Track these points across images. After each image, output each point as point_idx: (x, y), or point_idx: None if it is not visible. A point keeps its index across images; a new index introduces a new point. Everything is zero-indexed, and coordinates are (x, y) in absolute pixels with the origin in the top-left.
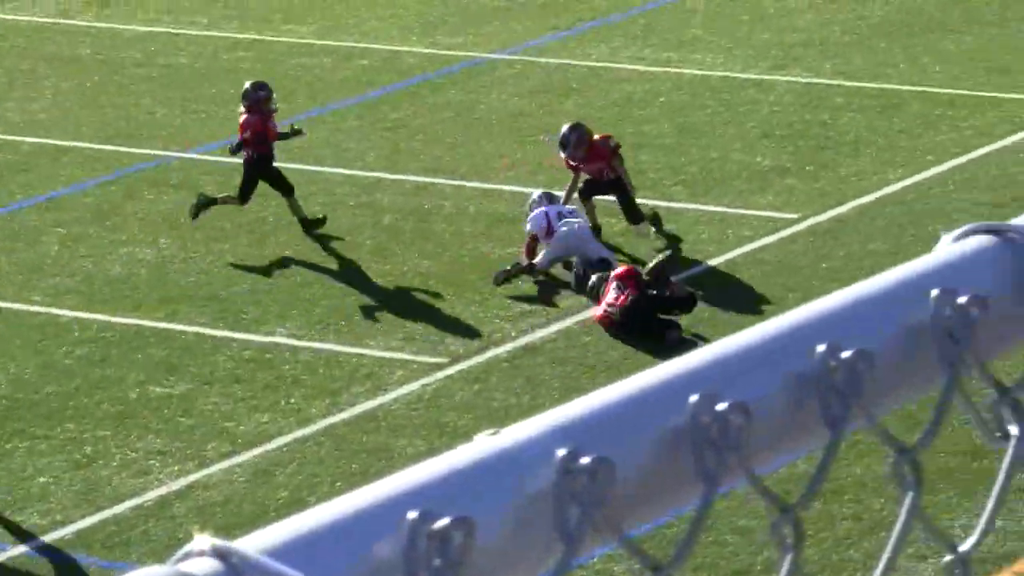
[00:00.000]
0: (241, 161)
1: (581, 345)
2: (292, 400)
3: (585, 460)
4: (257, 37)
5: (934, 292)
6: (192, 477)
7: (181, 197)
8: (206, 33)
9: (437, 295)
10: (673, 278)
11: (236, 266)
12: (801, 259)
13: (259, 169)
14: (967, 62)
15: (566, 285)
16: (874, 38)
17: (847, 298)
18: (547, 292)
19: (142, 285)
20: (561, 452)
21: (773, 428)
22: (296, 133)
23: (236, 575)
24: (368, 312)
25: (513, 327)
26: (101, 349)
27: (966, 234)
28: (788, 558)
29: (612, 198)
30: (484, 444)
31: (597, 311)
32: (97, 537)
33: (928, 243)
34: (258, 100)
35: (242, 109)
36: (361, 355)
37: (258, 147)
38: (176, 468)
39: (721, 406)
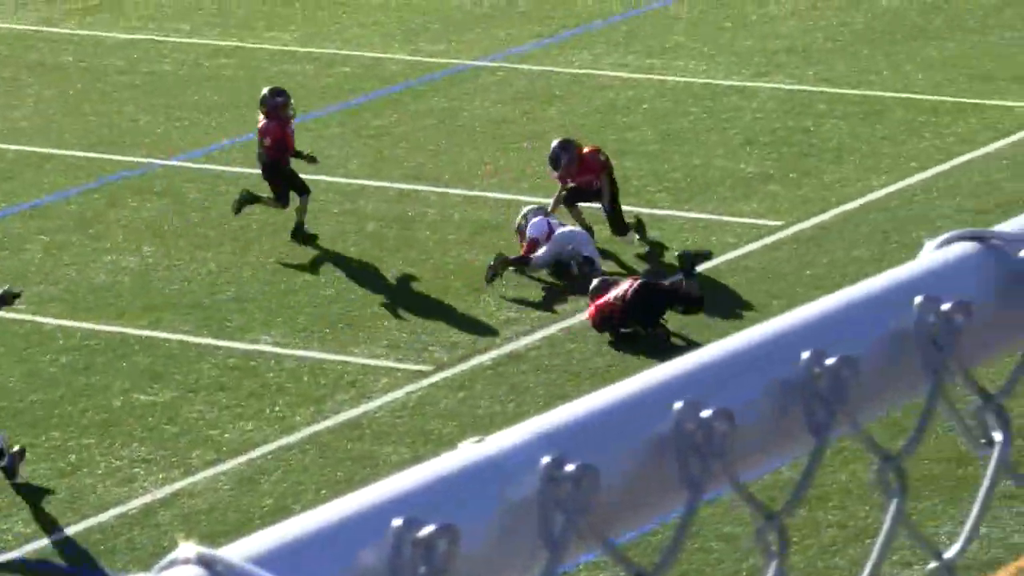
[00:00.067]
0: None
1: (566, 352)
2: (277, 408)
3: (570, 467)
4: (240, 44)
5: (918, 299)
6: (177, 485)
7: (164, 205)
8: (189, 40)
9: (421, 302)
10: (691, 275)
11: (220, 274)
12: (785, 266)
13: (276, 170)
14: (950, 69)
15: (552, 291)
16: (857, 45)
17: (831, 305)
18: (532, 298)
19: (126, 293)
20: (546, 459)
21: (758, 435)
22: (311, 160)
23: None
24: (352, 320)
25: (497, 335)
26: (85, 357)
27: (949, 241)
28: (773, 565)
29: (597, 205)
30: (469, 452)
31: (590, 309)
32: (82, 545)
33: (912, 250)
34: (276, 106)
35: (260, 116)
36: (345, 363)
37: (277, 153)
38: (161, 476)
39: (706, 413)
